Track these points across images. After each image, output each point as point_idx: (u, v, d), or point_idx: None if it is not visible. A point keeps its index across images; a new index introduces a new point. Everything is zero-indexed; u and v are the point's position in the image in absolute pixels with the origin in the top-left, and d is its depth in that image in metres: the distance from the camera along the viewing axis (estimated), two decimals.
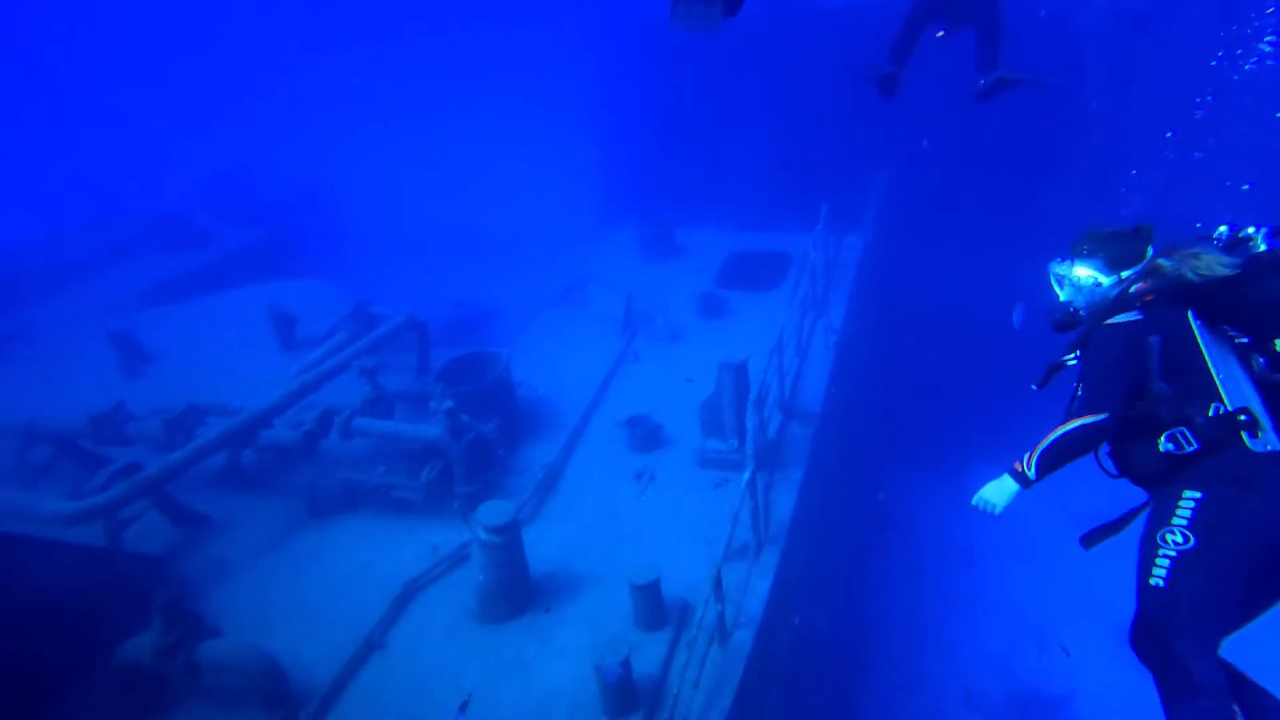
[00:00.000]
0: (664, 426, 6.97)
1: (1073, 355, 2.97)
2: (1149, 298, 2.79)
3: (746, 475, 5.19)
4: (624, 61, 12.24)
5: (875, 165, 10.73)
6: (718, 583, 4.30)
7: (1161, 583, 2.38)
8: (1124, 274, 2.90)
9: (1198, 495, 2.43)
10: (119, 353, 8.48)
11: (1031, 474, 2.70)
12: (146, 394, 7.42)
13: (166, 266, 11.61)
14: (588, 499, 6.31)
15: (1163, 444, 2.55)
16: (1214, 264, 2.66)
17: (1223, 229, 2.80)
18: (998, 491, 2.81)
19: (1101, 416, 2.56)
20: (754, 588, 5.10)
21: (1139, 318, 2.74)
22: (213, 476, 6.15)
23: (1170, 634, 2.32)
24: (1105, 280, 2.93)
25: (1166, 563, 2.38)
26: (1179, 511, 2.43)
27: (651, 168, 12.30)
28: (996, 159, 10.36)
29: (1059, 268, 3.06)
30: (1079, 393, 2.72)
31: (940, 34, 5.93)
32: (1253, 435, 2.44)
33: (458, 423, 5.80)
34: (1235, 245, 2.76)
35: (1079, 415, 2.61)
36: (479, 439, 6.07)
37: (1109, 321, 2.80)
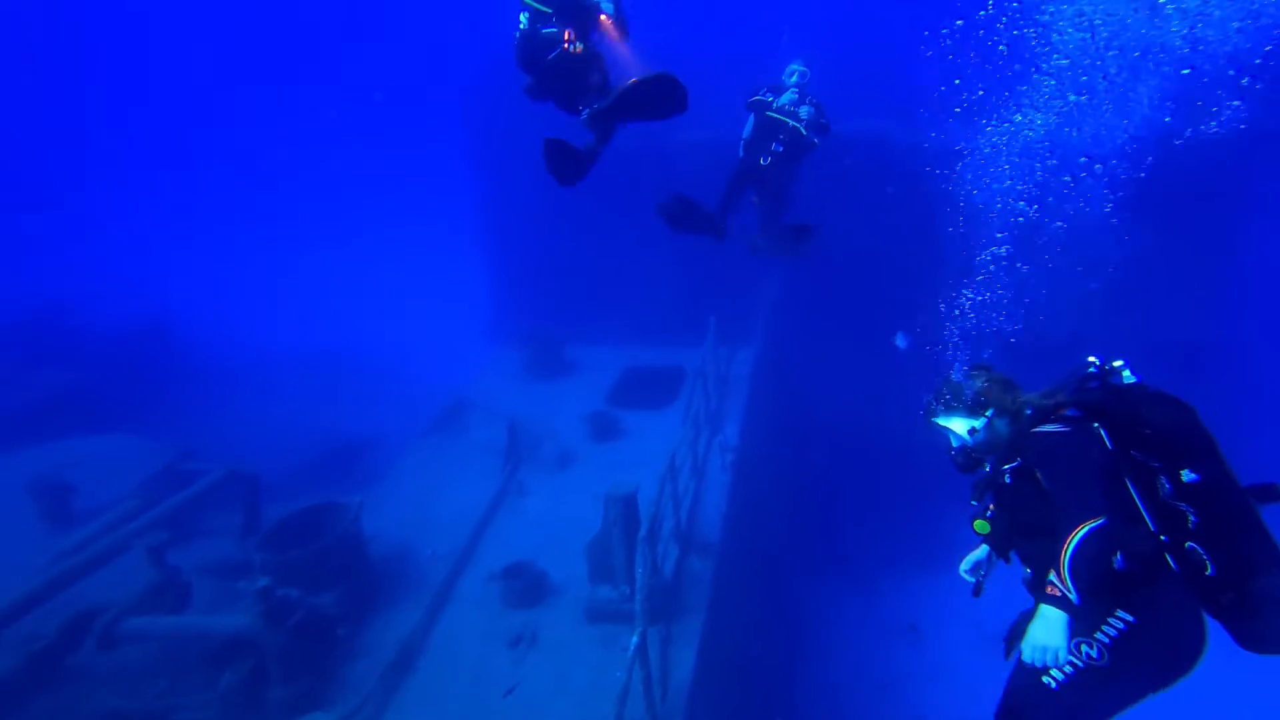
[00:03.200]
0: (548, 573, 6.08)
1: (1006, 469, 2.70)
2: (1062, 410, 2.63)
3: (635, 639, 4.38)
4: (507, 178, 12.18)
5: (762, 277, 10.87)
6: None
7: (1053, 684, 2.38)
8: (989, 413, 2.78)
9: (1129, 619, 2.39)
10: None
11: (1074, 595, 2.27)
12: None
13: None
14: (451, 681, 5.19)
15: (1118, 559, 2.38)
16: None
17: (1093, 358, 2.80)
18: (1048, 630, 2.29)
19: (1100, 521, 2.27)
20: None
21: (1066, 430, 2.56)
22: None
23: None
24: (979, 423, 2.79)
25: (1070, 669, 2.37)
26: (1104, 628, 2.39)
27: (538, 284, 11.98)
28: (882, 265, 10.68)
29: (937, 420, 2.89)
30: (1060, 506, 2.43)
31: (755, 200, 6.72)
32: (1187, 570, 2.36)
33: (276, 604, 4.62)
34: (1106, 375, 2.75)
35: (1076, 525, 2.31)
36: (308, 620, 4.87)
37: (1038, 430, 2.61)
